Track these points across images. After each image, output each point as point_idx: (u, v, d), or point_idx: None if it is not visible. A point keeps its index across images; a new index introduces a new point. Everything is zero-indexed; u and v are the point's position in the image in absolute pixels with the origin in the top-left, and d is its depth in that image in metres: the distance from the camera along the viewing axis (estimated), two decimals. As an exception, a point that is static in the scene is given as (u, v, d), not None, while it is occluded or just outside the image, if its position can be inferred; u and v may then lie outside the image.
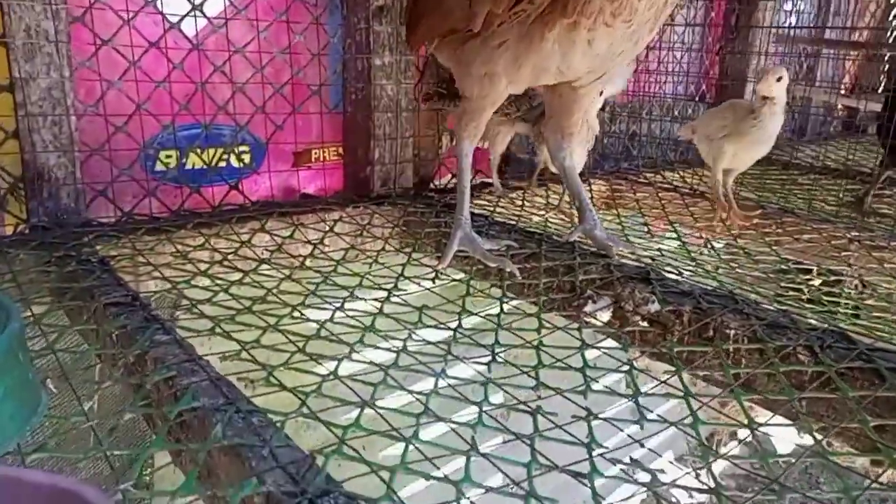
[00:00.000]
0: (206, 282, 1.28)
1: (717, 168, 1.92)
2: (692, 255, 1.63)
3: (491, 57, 1.30)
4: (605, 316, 1.26)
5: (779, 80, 1.74)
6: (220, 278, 1.31)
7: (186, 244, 1.46)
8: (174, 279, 1.27)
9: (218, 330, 1.07)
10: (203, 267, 1.35)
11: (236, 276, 1.35)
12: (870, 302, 1.38)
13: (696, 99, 2.72)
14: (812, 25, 2.97)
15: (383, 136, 1.91)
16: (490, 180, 2.14)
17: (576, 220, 1.94)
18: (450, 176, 2.19)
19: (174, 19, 1.63)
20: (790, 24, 3.00)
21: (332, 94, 1.94)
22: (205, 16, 1.65)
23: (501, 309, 1.28)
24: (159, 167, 1.70)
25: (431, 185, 2.14)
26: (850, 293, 1.47)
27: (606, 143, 2.59)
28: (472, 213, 1.61)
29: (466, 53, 1.35)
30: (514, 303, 1.34)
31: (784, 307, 1.28)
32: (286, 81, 1.82)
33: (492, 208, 1.93)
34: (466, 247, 1.47)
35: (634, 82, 2.61)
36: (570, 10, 1.16)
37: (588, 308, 1.27)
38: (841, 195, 2.27)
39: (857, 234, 1.77)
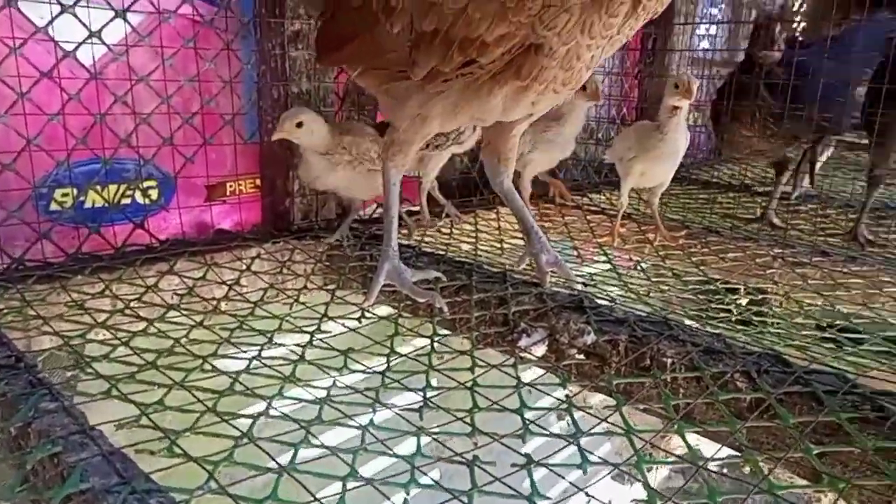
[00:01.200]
0: (105, 335, 1.16)
1: (623, 188, 1.97)
2: (623, 278, 1.61)
3: (428, 101, 1.25)
4: (541, 350, 1.21)
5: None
6: (122, 329, 1.19)
7: (84, 292, 1.33)
8: (68, 334, 1.14)
9: (115, 392, 0.95)
10: (102, 318, 1.23)
11: (140, 325, 1.23)
12: (798, 320, 1.38)
13: (619, 122, 2.76)
14: (724, 48, 3.08)
15: (303, 166, 1.82)
16: (416, 208, 2.08)
17: (501, 243, 1.92)
18: (375, 205, 2.11)
19: (69, 47, 1.50)
20: (704, 47, 3.10)
21: (248, 124, 1.84)
22: (104, 43, 1.53)
23: (432, 348, 1.21)
24: (54, 207, 1.56)
25: (356, 216, 2.06)
26: (777, 312, 1.47)
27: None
28: (399, 245, 1.54)
29: (399, 91, 1.29)
30: (447, 340, 1.27)
31: (717, 330, 1.27)
32: (195, 111, 1.71)
33: (419, 238, 1.87)
34: (394, 280, 1.40)
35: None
36: (524, 74, 1.14)
37: (522, 343, 1.21)
38: (736, 211, 2.34)
39: (780, 251, 1.80)
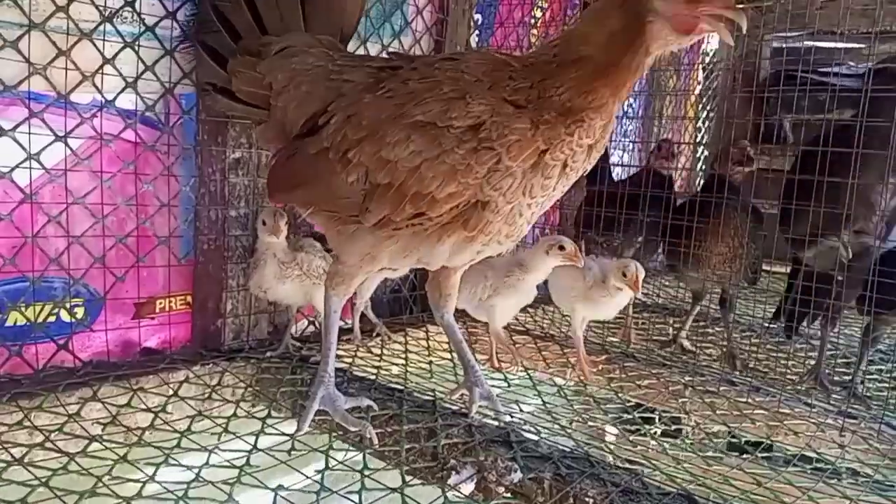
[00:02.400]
0: (23, 474, 1.12)
1: (575, 325, 1.99)
2: (548, 407, 1.67)
3: (377, 243, 1.32)
4: (469, 488, 1.24)
5: None
6: (40, 466, 1.15)
7: (0, 423, 1.27)
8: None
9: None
10: (19, 453, 1.18)
11: (61, 460, 1.19)
12: (709, 454, 1.47)
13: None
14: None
15: (237, 287, 1.84)
16: (349, 325, 2.11)
17: (430, 364, 1.96)
18: (306, 323, 2.13)
19: (6, 168, 1.50)
20: (617, 173, 3.34)
21: (183, 244, 1.85)
22: (42, 166, 1.54)
23: (363, 484, 1.22)
24: (-28, 327, 1.51)
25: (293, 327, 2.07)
26: (689, 444, 1.57)
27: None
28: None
29: (349, 231, 1.36)
30: (377, 474, 1.28)
31: (634, 466, 1.34)
32: (129, 232, 1.71)
33: (350, 360, 1.89)
34: (327, 406, 1.42)
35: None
36: (470, 226, 1.24)
37: (452, 480, 1.24)
38: (650, 332, 2.48)
39: (690, 378, 1.91)
